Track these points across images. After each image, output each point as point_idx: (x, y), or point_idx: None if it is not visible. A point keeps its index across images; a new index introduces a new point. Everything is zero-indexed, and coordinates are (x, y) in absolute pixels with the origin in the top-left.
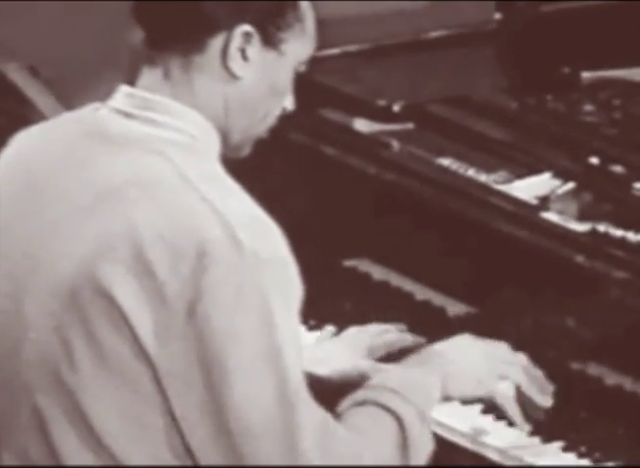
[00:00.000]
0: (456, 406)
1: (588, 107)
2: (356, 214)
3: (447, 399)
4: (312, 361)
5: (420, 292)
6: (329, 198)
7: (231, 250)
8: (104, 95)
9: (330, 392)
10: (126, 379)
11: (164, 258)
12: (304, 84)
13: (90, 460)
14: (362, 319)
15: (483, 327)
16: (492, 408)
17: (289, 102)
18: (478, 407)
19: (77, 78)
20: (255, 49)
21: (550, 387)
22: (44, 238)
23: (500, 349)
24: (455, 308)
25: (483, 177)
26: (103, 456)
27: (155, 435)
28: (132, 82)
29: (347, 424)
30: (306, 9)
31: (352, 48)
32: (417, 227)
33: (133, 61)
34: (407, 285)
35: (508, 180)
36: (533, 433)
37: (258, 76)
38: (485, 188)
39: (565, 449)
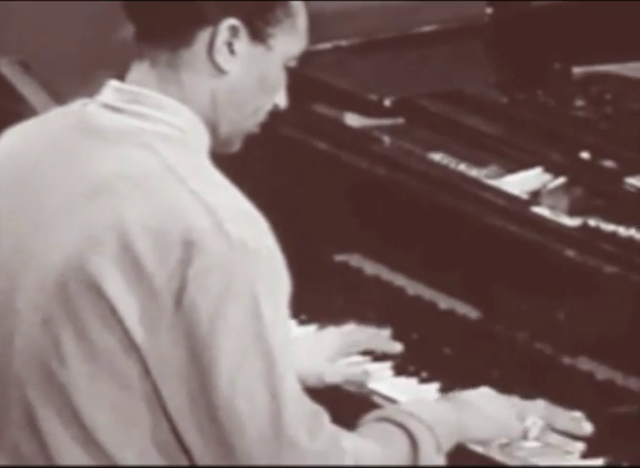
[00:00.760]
0: None
1: (580, 102)
2: (347, 209)
3: (472, 441)
4: None
5: (412, 287)
6: (320, 193)
7: (218, 239)
8: (95, 90)
9: None
10: (115, 374)
11: (151, 250)
12: (295, 78)
13: (80, 455)
14: (353, 314)
15: (474, 321)
16: None
17: (281, 100)
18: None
19: (68, 73)
20: (242, 43)
21: (582, 417)
22: (34, 232)
23: (518, 400)
24: (446, 303)
25: (474, 172)
26: (94, 451)
27: (143, 430)
28: (121, 77)
29: (357, 433)
30: (297, 5)
31: (343, 43)
32: (408, 222)
33: (123, 57)
34: (398, 279)
35: (499, 175)
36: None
37: (245, 70)
38: (476, 183)
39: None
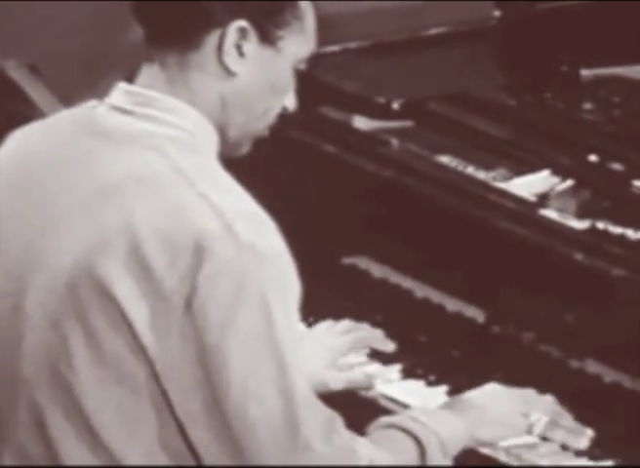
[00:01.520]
0: None
1: (587, 105)
2: (355, 212)
3: (480, 443)
4: None
5: (419, 290)
6: (328, 195)
7: (228, 243)
8: (104, 92)
9: None
10: (122, 376)
11: (161, 253)
12: (304, 81)
13: (87, 457)
14: (361, 316)
15: (481, 323)
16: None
17: (290, 102)
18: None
19: (76, 76)
20: (251, 45)
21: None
22: (42, 234)
23: (526, 393)
24: (453, 305)
25: (482, 175)
26: (100, 453)
27: (150, 432)
28: (130, 80)
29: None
30: (306, 7)
31: (351, 45)
32: (416, 225)
33: (132, 59)
34: (406, 282)
35: (507, 178)
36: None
37: (254, 73)
38: (484, 186)
39: (562, 447)
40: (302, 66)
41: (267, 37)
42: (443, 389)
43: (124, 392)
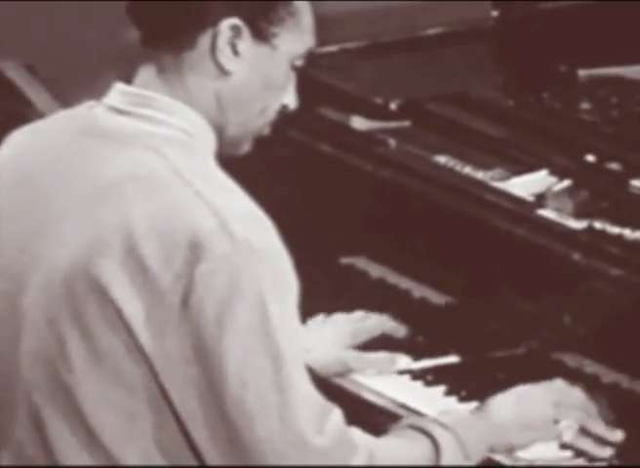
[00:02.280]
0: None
1: (585, 105)
2: (353, 212)
3: (510, 449)
4: None
5: (417, 290)
6: (325, 195)
7: (224, 240)
8: (102, 92)
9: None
10: (119, 376)
11: (157, 252)
12: (301, 81)
13: (84, 457)
14: None
15: (479, 324)
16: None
17: (291, 101)
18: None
19: (74, 76)
20: (246, 43)
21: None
22: (40, 234)
23: (553, 391)
24: (451, 305)
25: (480, 175)
26: (98, 453)
27: (147, 432)
28: (128, 80)
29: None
30: (301, 4)
31: (349, 45)
32: (413, 225)
33: (129, 60)
34: (403, 282)
35: (505, 178)
36: None
37: (250, 71)
38: (482, 186)
39: (563, 447)
40: (301, 63)
41: (261, 34)
42: (441, 389)
43: (121, 392)
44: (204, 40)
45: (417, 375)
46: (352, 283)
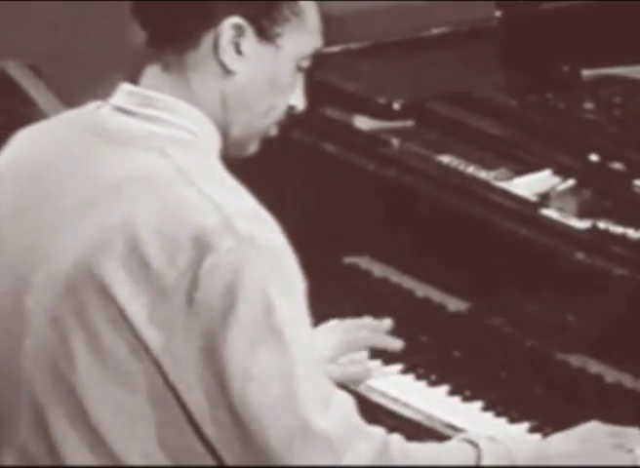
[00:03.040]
0: (456, 403)
1: (589, 105)
2: (356, 212)
3: None
4: None
5: (420, 289)
6: (329, 195)
7: (228, 236)
8: (105, 93)
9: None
10: (123, 376)
11: (160, 251)
12: (305, 81)
13: (88, 457)
14: (362, 316)
15: (483, 324)
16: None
17: (299, 101)
18: (479, 404)
19: (78, 76)
20: (249, 43)
21: None
22: (44, 233)
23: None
24: (455, 305)
25: (483, 175)
26: (101, 453)
27: (150, 431)
28: (134, 80)
29: None
30: (306, 4)
31: (353, 45)
32: (417, 224)
33: (135, 60)
34: (407, 282)
35: (508, 177)
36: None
37: (254, 70)
38: (485, 185)
39: None
40: (306, 64)
41: (265, 34)
42: (444, 389)
43: (124, 391)
44: (207, 40)
45: (420, 375)
46: (356, 282)
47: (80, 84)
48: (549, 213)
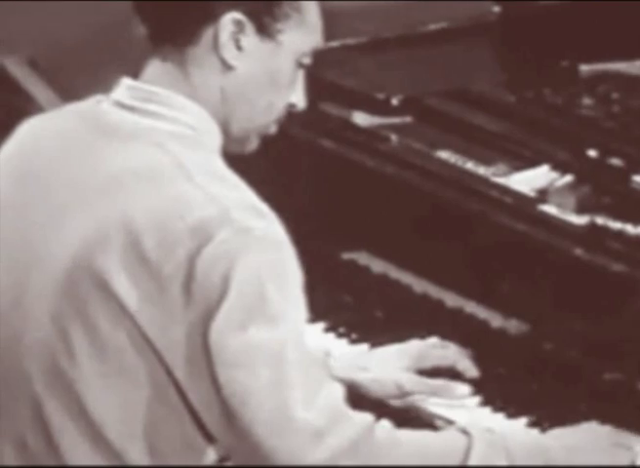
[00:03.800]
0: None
1: (587, 100)
2: (355, 207)
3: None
4: (354, 368)
5: (419, 285)
6: (328, 191)
7: (225, 227)
8: (104, 88)
9: (366, 400)
10: (123, 370)
11: (158, 245)
12: (303, 77)
13: (87, 451)
14: (361, 311)
15: (481, 319)
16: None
17: (299, 99)
18: (476, 399)
19: (77, 71)
20: (249, 39)
21: None
22: (43, 227)
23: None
24: (453, 301)
25: (481, 170)
26: (101, 447)
27: (150, 426)
28: (135, 75)
29: None
30: (307, 1)
31: (351, 41)
32: (415, 220)
33: (136, 55)
34: (405, 277)
35: (507, 173)
36: (531, 424)
37: (254, 66)
38: (483, 181)
39: None
40: (307, 61)
41: (265, 30)
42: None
43: (125, 386)
44: (207, 35)
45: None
46: (354, 278)
47: (78, 79)
48: (548, 208)
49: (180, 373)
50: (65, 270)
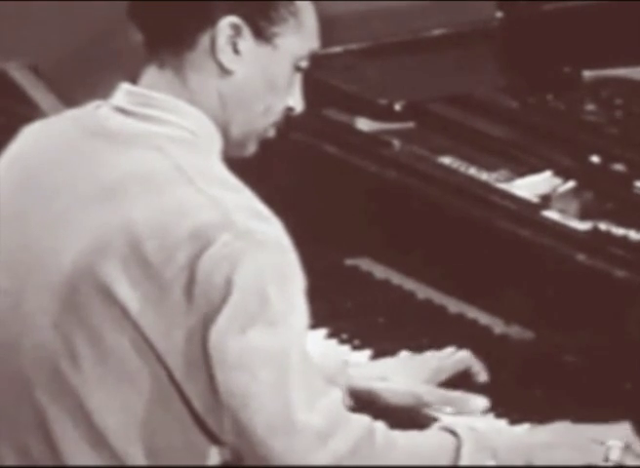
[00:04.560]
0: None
1: (590, 106)
2: (357, 213)
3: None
4: (371, 377)
5: (422, 291)
6: (330, 197)
7: (226, 230)
8: (105, 93)
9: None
10: (126, 375)
11: (159, 248)
12: (306, 82)
13: (90, 457)
14: (363, 317)
15: (484, 325)
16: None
17: (298, 104)
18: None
19: (78, 77)
20: (247, 43)
21: None
22: (43, 233)
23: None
24: (456, 307)
25: (484, 176)
26: (104, 453)
27: (153, 431)
28: (134, 80)
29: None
30: (304, 4)
31: (354, 46)
32: (418, 226)
33: (134, 60)
34: (408, 284)
35: (510, 179)
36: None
37: (252, 70)
38: (486, 187)
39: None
40: (305, 64)
41: (262, 34)
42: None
43: (127, 391)
44: (204, 39)
45: None
46: (357, 284)
47: (80, 84)
48: (550, 214)
49: (181, 377)
50: (67, 275)
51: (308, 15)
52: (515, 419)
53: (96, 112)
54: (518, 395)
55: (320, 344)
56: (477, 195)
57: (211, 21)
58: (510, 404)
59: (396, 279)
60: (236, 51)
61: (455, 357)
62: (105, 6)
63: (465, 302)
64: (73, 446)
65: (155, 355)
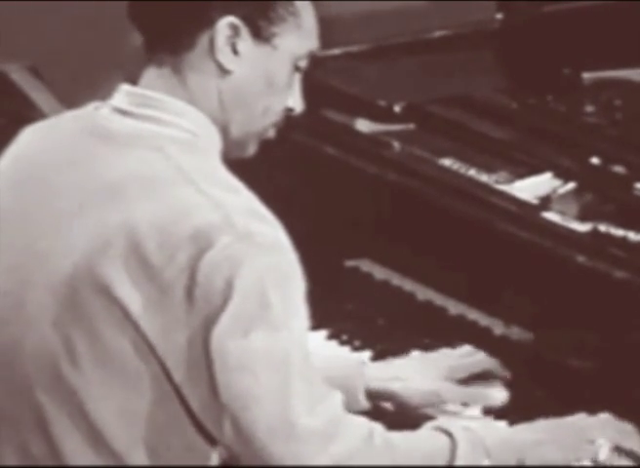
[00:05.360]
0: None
1: (589, 108)
2: (357, 215)
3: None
4: (387, 377)
5: (422, 293)
6: (330, 198)
7: (227, 232)
8: (105, 94)
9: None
10: (126, 376)
11: (160, 249)
12: (306, 83)
13: (90, 457)
14: (363, 319)
15: (484, 326)
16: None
17: (297, 104)
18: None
19: (78, 78)
20: (246, 43)
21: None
22: (44, 234)
23: (582, 419)
24: (456, 308)
25: (484, 178)
26: (104, 453)
27: (153, 431)
28: (134, 81)
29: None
30: (303, 4)
31: (354, 48)
32: (418, 227)
33: (134, 61)
34: (408, 285)
35: (509, 180)
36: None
37: (251, 70)
38: (486, 188)
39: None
40: (304, 64)
41: (261, 34)
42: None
43: (128, 392)
44: (203, 40)
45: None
46: (357, 285)
47: (80, 86)
48: (550, 216)
49: (181, 378)
50: (67, 276)
51: (307, 14)
52: (515, 420)
53: (95, 113)
54: (518, 396)
55: (329, 346)
56: (477, 196)
57: (209, 22)
58: (510, 405)
59: (396, 280)
60: (235, 51)
61: (472, 358)
62: (106, 7)
63: (465, 303)
64: (73, 447)
65: (155, 356)
